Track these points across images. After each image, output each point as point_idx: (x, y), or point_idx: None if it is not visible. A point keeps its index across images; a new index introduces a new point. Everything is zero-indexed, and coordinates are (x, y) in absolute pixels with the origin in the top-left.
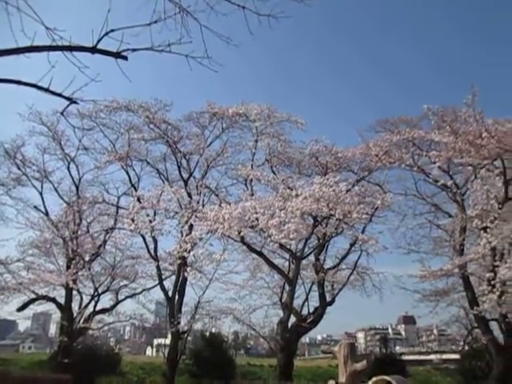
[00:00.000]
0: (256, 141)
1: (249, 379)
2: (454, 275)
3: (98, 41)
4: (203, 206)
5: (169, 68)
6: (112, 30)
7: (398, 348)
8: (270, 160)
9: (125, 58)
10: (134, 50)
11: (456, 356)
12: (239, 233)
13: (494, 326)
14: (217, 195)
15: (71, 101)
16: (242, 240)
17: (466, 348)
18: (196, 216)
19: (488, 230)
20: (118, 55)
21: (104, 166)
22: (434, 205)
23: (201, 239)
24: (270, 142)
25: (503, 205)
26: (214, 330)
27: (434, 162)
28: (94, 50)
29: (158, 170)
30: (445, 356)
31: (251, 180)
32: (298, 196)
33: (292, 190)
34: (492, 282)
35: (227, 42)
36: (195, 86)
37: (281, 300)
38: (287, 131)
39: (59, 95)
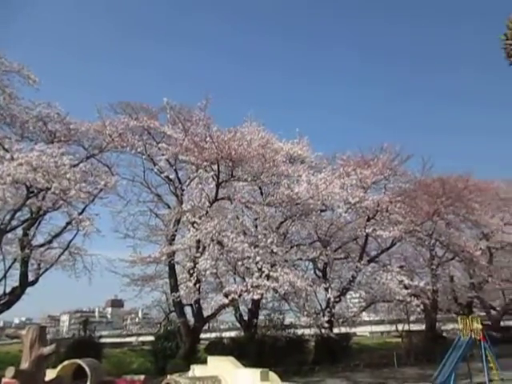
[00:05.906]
0: None
1: None
2: (162, 262)
3: None
4: None
5: None
6: None
7: (99, 331)
8: None
9: None
10: None
11: (152, 338)
12: None
13: (188, 310)
14: None
15: None
16: None
17: (162, 330)
18: None
19: (195, 224)
20: None
21: None
22: (157, 195)
23: None
24: None
25: (212, 204)
26: None
27: (163, 155)
28: None
29: None
30: (143, 338)
31: None
32: (14, 160)
33: (8, 152)
34: (191, 271)
35: None
36: None
37: None
38: (16, 86)
39: None
